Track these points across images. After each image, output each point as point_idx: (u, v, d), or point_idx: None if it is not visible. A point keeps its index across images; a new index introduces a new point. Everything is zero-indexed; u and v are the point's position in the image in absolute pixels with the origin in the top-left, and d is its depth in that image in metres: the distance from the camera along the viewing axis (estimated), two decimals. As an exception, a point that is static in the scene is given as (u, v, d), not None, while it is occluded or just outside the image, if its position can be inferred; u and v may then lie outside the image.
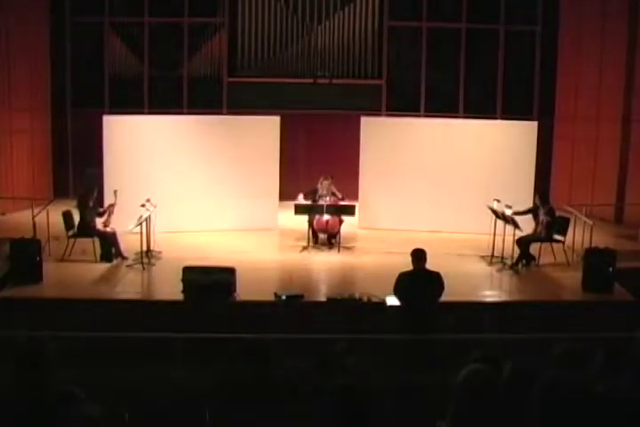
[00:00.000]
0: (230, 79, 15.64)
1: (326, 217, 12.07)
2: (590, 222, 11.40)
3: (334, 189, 12.47)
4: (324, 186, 12.38)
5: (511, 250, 11.15)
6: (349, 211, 12.20)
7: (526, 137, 12.96)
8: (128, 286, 10.24)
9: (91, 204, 11.25)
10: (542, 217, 11.22)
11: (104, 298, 9.68)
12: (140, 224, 10.79)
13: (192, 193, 12.78)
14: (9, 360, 4.27)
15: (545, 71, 15.53)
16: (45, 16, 15.11)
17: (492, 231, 11.28)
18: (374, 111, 15.22)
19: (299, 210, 12.11)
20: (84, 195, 11.42)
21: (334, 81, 15.37)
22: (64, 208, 11.60)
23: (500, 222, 11.29)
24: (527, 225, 11.37)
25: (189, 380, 6.27)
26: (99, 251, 11.07)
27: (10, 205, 13.87)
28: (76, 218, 11.35)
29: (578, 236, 11.46)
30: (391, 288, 8.09)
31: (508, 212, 11.11)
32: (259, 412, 4.48)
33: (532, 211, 11.45)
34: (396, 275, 8.02)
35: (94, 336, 8.12)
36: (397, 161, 13.21)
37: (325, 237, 12.31)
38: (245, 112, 14.20)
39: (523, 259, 11.13)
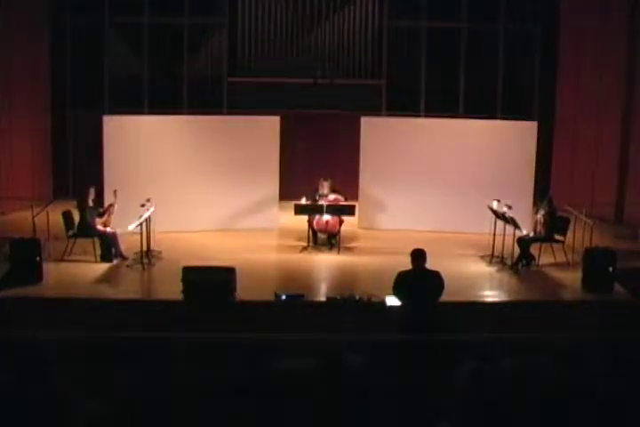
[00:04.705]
0: (230, 79, 15.65)
1: (326, 217, 12.07)
2: (590, 222, 11.41)
3: (337, 189, 12.51)
4: (324, 186, 12.42)
5: (511, 250, 11.16)
6: (349, 211, 12.20)
7: (526, 137, 12.94)
8: (128, 286, 10.25)
9: (91, 204, 11.26)
10: (541, 217, 11.25)
11: (104, 298, 9.68)
12: (141, 224, 10.80)
13: (192, 193, 12.77)
14: (9, 361, 4.27)
15: (545, 71, 15.54)
16: (45, 16, 15.11)
17: (492, 231, 11.29)
18: (374, 111, 15.21)
19: (299, 210, 12.11)
20: (82, 195, 11.41)
21: (334, 81, 15.37)
22: (64, 208, 11.60)
23: (500, 222, 11.30)
24: (527, 225, 11.40)
25: (189, 380, 6.26)
26: (99, 251, 11.09)
27: (10, 205, 13.86)
28: (76, 218, 11.36)
29: (578, 236, 11.46)
30: (391, 288, 8.08)
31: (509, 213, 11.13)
32: (258, 412, 4.47)
33: (536, 211, 11.53)
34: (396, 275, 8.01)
35: (94, 336, 8.11)
36: (397, 161, 13.20)
37: (325, 237, 12.31)
38: (245, 112, 14.20)
39: (523, 259, 11.13)
